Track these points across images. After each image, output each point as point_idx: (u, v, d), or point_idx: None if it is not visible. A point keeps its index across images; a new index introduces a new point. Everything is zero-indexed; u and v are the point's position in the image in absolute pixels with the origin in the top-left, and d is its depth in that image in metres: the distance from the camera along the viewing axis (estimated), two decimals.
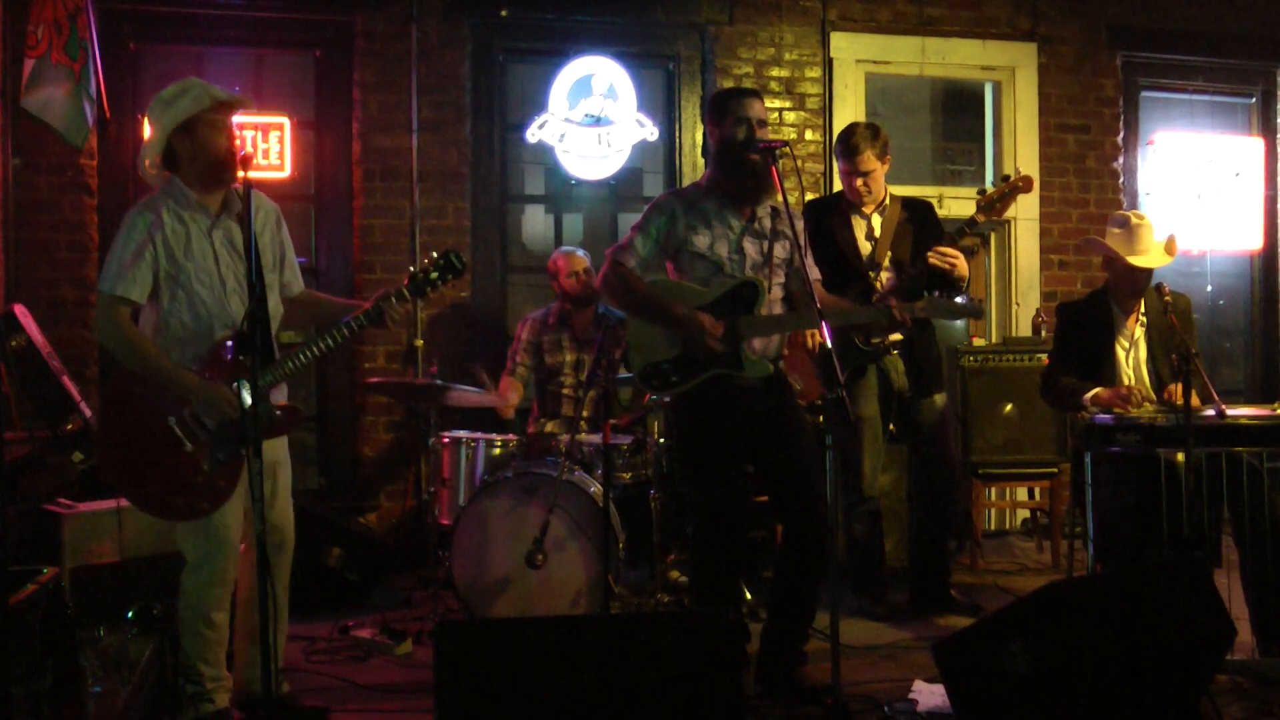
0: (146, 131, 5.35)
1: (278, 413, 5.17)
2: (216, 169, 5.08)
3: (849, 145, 7.08)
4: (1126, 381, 6.45)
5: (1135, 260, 6.38)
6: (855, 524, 7.25)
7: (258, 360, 4.51)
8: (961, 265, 6.75)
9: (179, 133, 5.06)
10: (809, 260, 5.76)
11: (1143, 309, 6.52)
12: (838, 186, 7.47)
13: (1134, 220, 6.49)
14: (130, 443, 5.04)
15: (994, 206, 6.86)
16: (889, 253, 7.05)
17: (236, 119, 5.29)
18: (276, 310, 5.36)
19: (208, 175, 5.10)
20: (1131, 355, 6.51)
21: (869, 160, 7.03)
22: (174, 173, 5.13)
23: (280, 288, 5.46)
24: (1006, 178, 6.95)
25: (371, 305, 5.23)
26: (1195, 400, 5.91)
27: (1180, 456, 5.75)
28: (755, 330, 5.65)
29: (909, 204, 7.22)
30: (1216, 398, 5.85)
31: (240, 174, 4.60)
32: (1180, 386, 5.85)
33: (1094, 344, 6.53)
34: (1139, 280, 6.44)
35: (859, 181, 7.05)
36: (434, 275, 5.30)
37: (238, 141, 5.23)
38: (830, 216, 7.15)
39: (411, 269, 5.33)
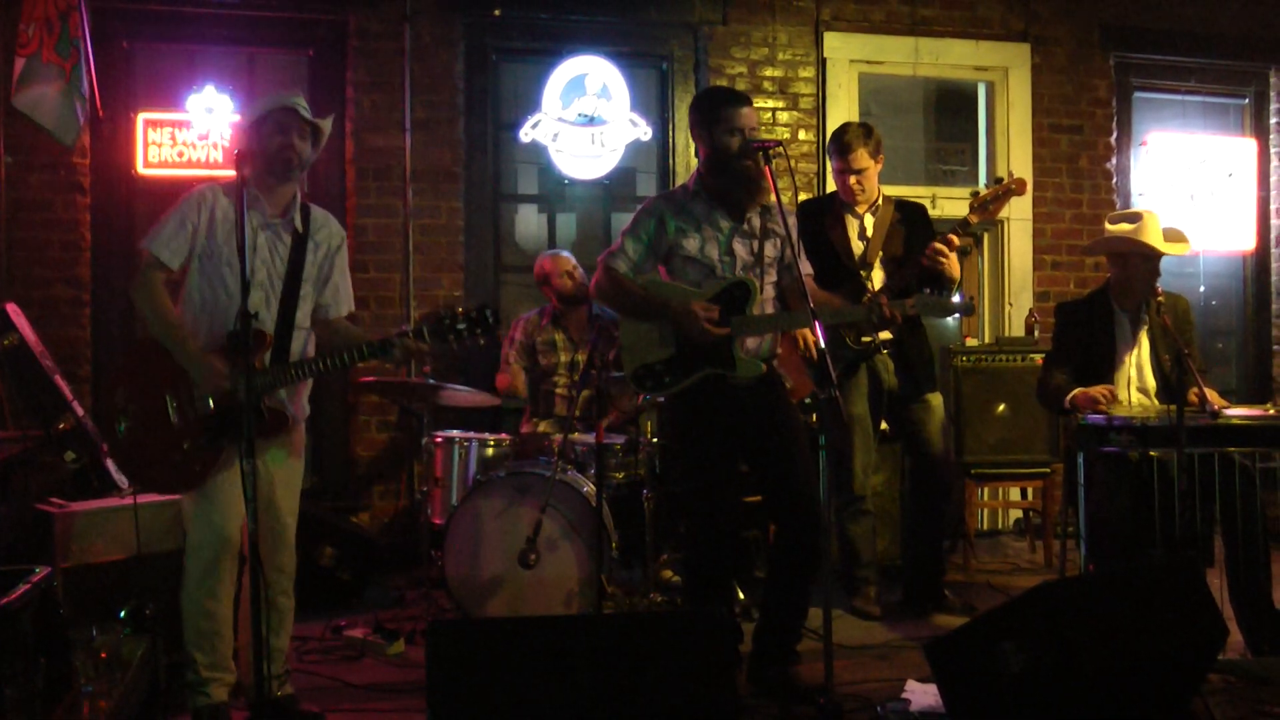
0: None
1: (264, 415, 5.15)
2: (267, 168, 5.22)
3: (842, 143, 7.09)
4: (1126, 380, 6.46)
5: (1162, 247, 6.37)
6: (848, 523, 7.26)
7: (249, 359, 4.60)
8: (952, 263, 6.74)
9: (248, 130, 5.28)
10: (801, 257, 5.76)
11: (1145, 308, 6.51)
12: (831, 186, 7.48)
13: (1144, 216, 6.49)
14: (127, 403, 5.18)
15: (987, 208, 6.86)
16: (880, 252, 7.06)
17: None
18: (304, 321, 5.39)
19: (264, 171, 5.25)
20: (1134, 355, 6.51)
21: (862, 158, 7.05)
22: (245, 167, 5.23)
23: (318, 307, 5.50)
24: (1000, 180, 6.95)
25: (388, 337, 5.22)
26: (1216, 399, 5.96)
27: (1171, 456, 5.77)
28: (748, 329, 5.65)
29: (902, 205, 7.24)
30: (1209, 398, 5.87)
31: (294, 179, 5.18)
32: (1205, 389, 5.90)
33: (1096, 344, 6.53)
34: (1151, 274, 6.42)
35: (852, 179, 7.07)
36: (461, 326, 5.17)
37: (290, 149, 5.26)
38: (823, 216, 7.17)
39: (444, 313, 5.28)
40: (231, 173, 5.41)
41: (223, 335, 5.14)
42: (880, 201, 7.17)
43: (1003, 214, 9.69)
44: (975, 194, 6.92)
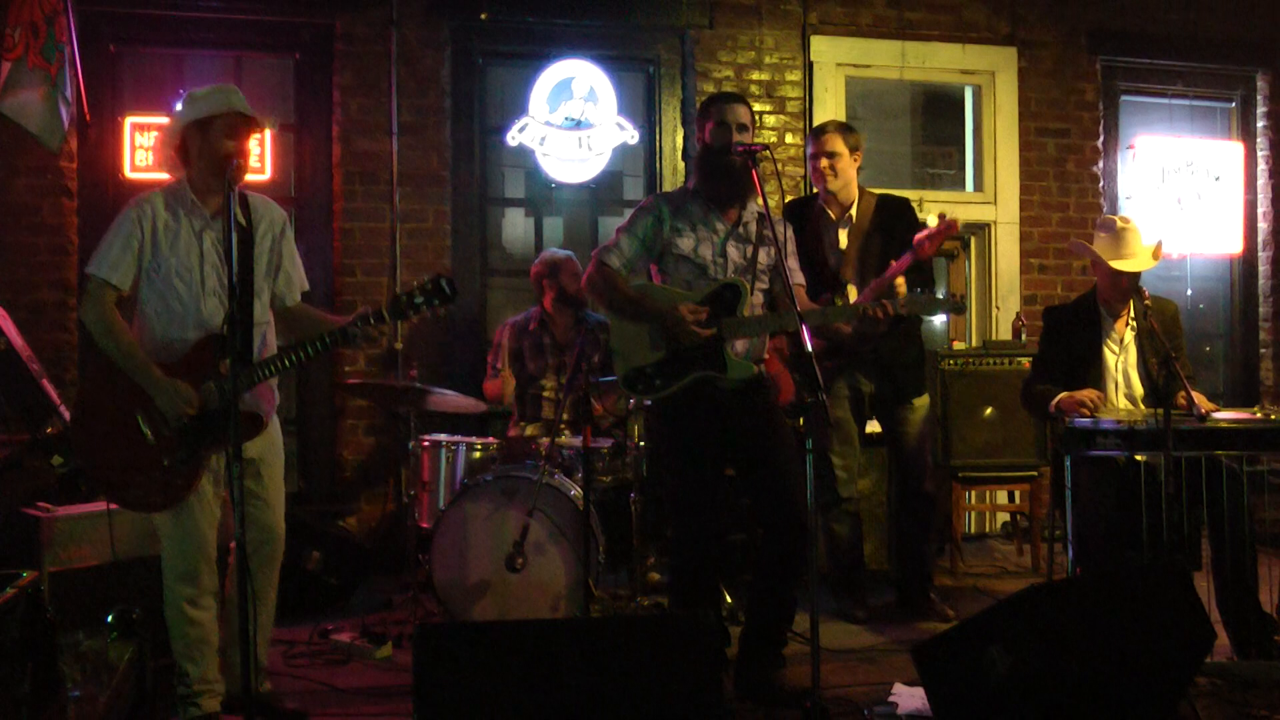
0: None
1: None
2: (217, 170, 5.12)
3: (816, 129, 7.22)
4: (1114, 385, 6.48)
5: (1116, 264, 6.40)
6: (834, 525, 7.28)
7: (236, 363, 4.56)
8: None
9: (194, 128, 5.19)
10: (792, 264, 5.79)
11: (1132, 313, 6.52)
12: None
13: (1119, 224, 6.51)
14: (100, 427, 5.14)
15: (924, 246, 6.67)
16: (857, 262, 7.04)
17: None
18: (262, 317, 5.38)
19: (209, 174, 5.18)
20: (1121, 359, 6.52)
21: (834, 141, 7.05)
22: (184, 166, 5.26)
23: (273, 297, 5.48)
24: (941, 216, 6.74)
25: (347, 323, 5.20)
26: (1205, 402, 5.97)
27: (1158, 459, 5.78)
28: (738, 331, 5.67)
29: (883, 206, 7.21)
30: (1197, 402, 5.88)
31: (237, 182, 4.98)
32: (1194, 393, 5.93)
33: (1082, 347, 6.54)
34: (1123, 284, 6.45)
35: (824, 162, 7.07)
36: (418, 300, 5.13)
37: (242, 156, 5.23)
38: (804, 222, 7.15)
39: (398, 291, 5.27)
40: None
41: (182, 347, 5.14)
42: (860, 203, 7.15)
43: (990, 217, 9.80)
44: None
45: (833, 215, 7.17)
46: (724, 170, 5.72)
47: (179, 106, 5.27)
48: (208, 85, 5.33)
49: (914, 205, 7.55)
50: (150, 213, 5.17)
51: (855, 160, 7.15)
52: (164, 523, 5.17)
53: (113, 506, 5.82)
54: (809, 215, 7.24)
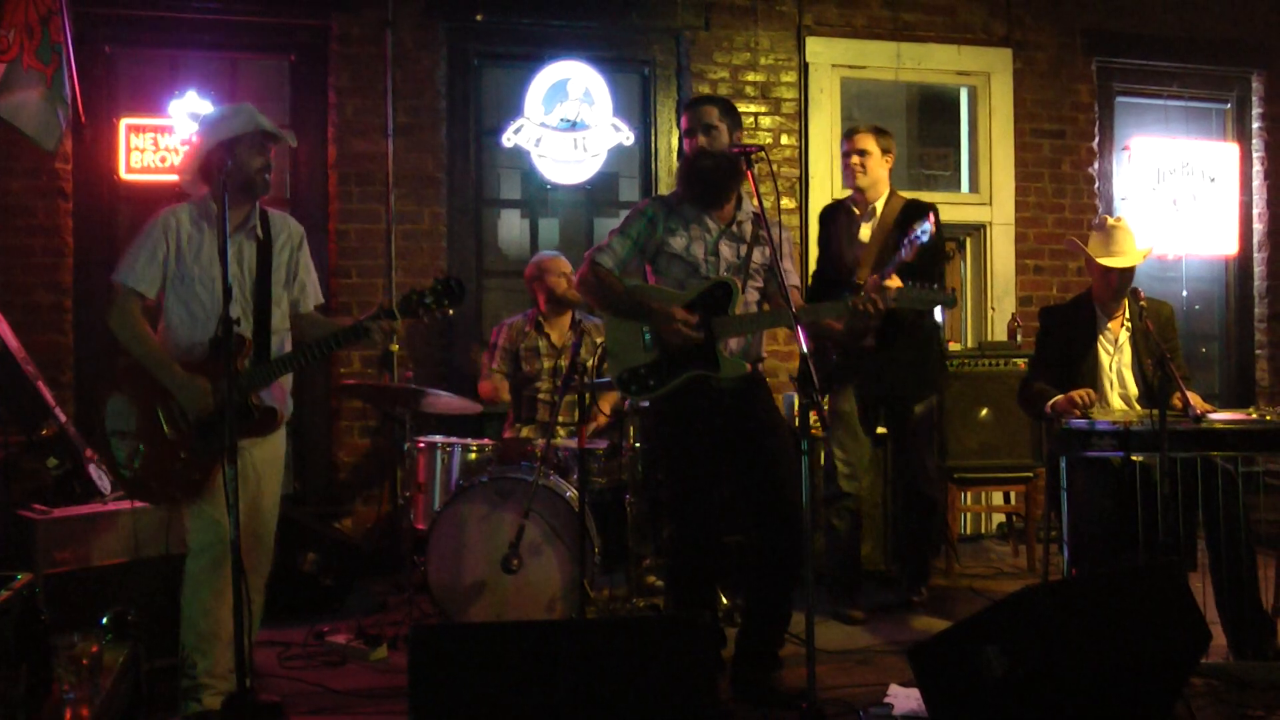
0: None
1: (255, 414, 5.30)
2: (246, 187, 5.33)
3: (850, 128, 7.38)
4: (1109, 385, 6.49)
5: (1105, 261, 6.43)
6: (833, 520, 7.29)
7: (231, 363, 4.73)
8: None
9: (220, 148, 5.29)
10: (787, 266, 5.79)
11: (1127, 313, 6.54)
12: (813, 191, 7.49)
13: (1111, 223, 6.55)
14: (121, 420, 5.31)
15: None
16: (875, 260, 7.06)
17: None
18: (281, 324, 5.52)
19: (236, 191, 5.27)
20: (1116, 359, 6.53)
21: (866, 140, 7.23)
22: (208, 184, 5.36)
23: (291, 304, 5.63)
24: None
25: (358, 322, 5.31)
26: (1200, 403, 5.97)
27: (1153, 460, 5.79)
28: (729, 329, 5.67)
29: (908, 208, 7.20)
30: (1192, 403, 5.88)
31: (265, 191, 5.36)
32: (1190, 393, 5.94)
33: (1077, 347, 6.55)
34: (1114, 283, 6.47)
35: (855, 159, 7.24)
36: (429, 300, 5.27)
37: (270, 171, 5.46)
38: (830, 225, 7.39)
39: (410, 289, 5.34)
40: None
41: (203, 349, 5.26)
42: (888, 202, 7.27)
43: (986, 218, 9.83)
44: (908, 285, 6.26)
45: (857, 211, 7.31)
46: (694, 174, 5.82)
47: (200, 126, 5.48)
48: (224, 105, 5.55)
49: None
50: (175, 225, 5.34)
51: (886, 161, 7.29)
52: (195, 513, 5.29)
53: (110, 507, 5.88)
54: (840, 211, 7.43)
